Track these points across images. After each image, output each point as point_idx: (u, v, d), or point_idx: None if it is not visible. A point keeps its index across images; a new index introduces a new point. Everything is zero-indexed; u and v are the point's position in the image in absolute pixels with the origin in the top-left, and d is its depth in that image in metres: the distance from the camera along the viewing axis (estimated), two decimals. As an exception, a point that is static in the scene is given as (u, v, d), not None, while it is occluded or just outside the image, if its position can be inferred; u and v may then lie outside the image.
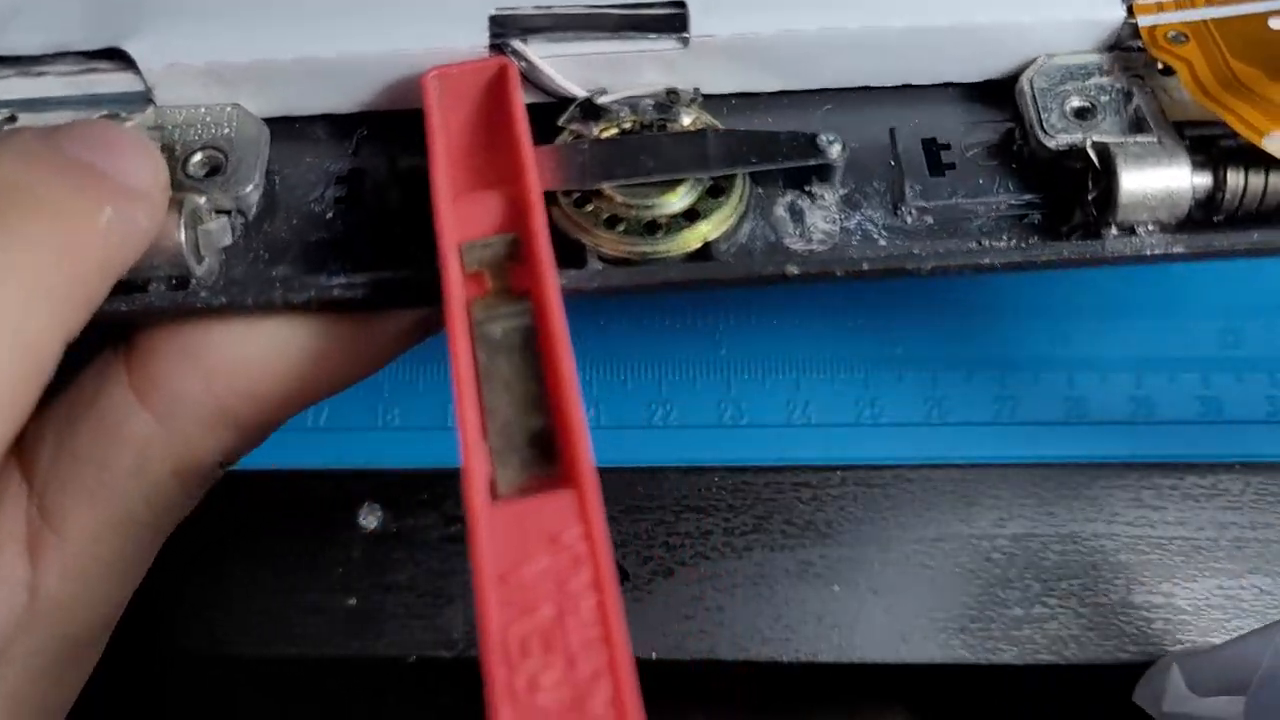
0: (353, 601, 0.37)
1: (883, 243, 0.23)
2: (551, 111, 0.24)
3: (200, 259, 0.22)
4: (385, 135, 0.25)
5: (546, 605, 0.17)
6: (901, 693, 0.39)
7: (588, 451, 0.18)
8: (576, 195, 0.23)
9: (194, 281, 0.22)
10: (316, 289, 0.22)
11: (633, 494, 0.38)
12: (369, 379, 0.39)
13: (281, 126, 0.24)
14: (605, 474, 0.37)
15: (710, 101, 0.24)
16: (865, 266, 0.22)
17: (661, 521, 0.38)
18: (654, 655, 0.36)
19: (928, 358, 0.39)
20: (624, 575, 0.37)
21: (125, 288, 0.22)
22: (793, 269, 0.22)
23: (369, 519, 0.38)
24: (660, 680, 0.37)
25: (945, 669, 0.36)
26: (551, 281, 0.20)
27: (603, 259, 0.23)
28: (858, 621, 0.36)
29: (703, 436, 0.38)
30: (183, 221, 0.22)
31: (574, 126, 0.24)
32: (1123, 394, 0.38)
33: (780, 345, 0.40)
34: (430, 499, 0.38)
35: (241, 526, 0.38)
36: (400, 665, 0.36)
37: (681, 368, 0.39)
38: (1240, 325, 0.38)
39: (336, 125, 0.25)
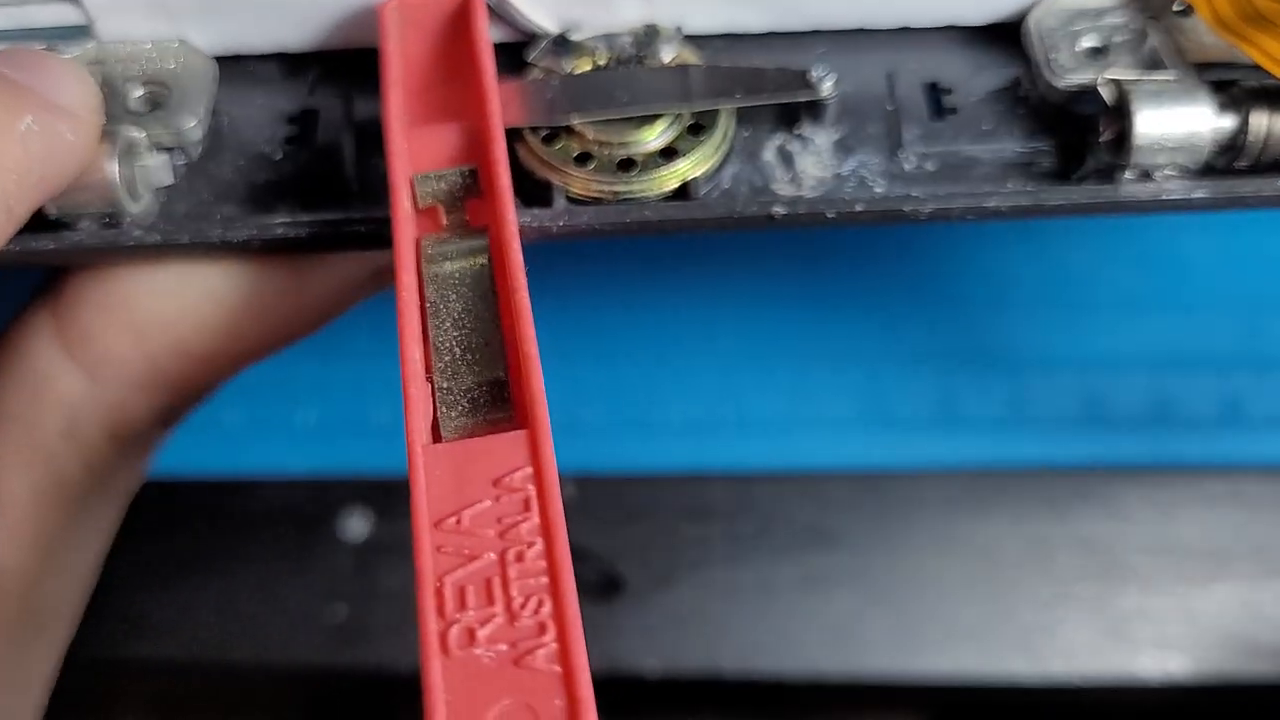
0: (343, 610, 0.35)
1: (879, 189, 0.21)
2: (521, 51, 0.22)
3: (136, 197, 0.21)
4: (343, 76, 0.23)
5: (488, 552, 0.15)
6: (911, 699, 0.37)
7: (541, 391, 0.16)
8: (545, 132, 0.21)
9: (128, 220, 0.21)
10: (258, 227, 0.21)
11: (631, 500, 0.36)
12: (359, 378, 0.38)
13: (233, 65, 0.23)
14: (602, 480, 0.36)
15: (694, 41, 0.22)
16: (859, 209, 0.20)
17: (659, 529, 0.36)
18: (652, 668, 0.34)
19: (936, 353, 0.37)
20: (620, 584, 0.35)
21: (54, 226, 0.20)
22: (779, 210, 0.20)
23: (359, 525, 0.36)
24: (659, 692, 0.36)
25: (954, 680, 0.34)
26: (509, 213, 0.18)
27: (571, 199, 0.21)
28: (864, 632, 0.34)
29: (702, 437, 0.36)
30: (116, 155, 0.20)
31: (544, 64, 0.22)
32: (1139, 393, 0.36)
33: (782, 339, 0.38)
34: None
35: (228, 534, 0.37)
36: (391, 677, 0.35)
37: (678, 363, 0.38)
38: (1262, 320, 0.36)
39: (291, 65, 0.23)
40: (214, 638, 0.35)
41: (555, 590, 0.15)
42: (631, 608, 0.35)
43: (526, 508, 0.16)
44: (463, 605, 0.15)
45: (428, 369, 0.18)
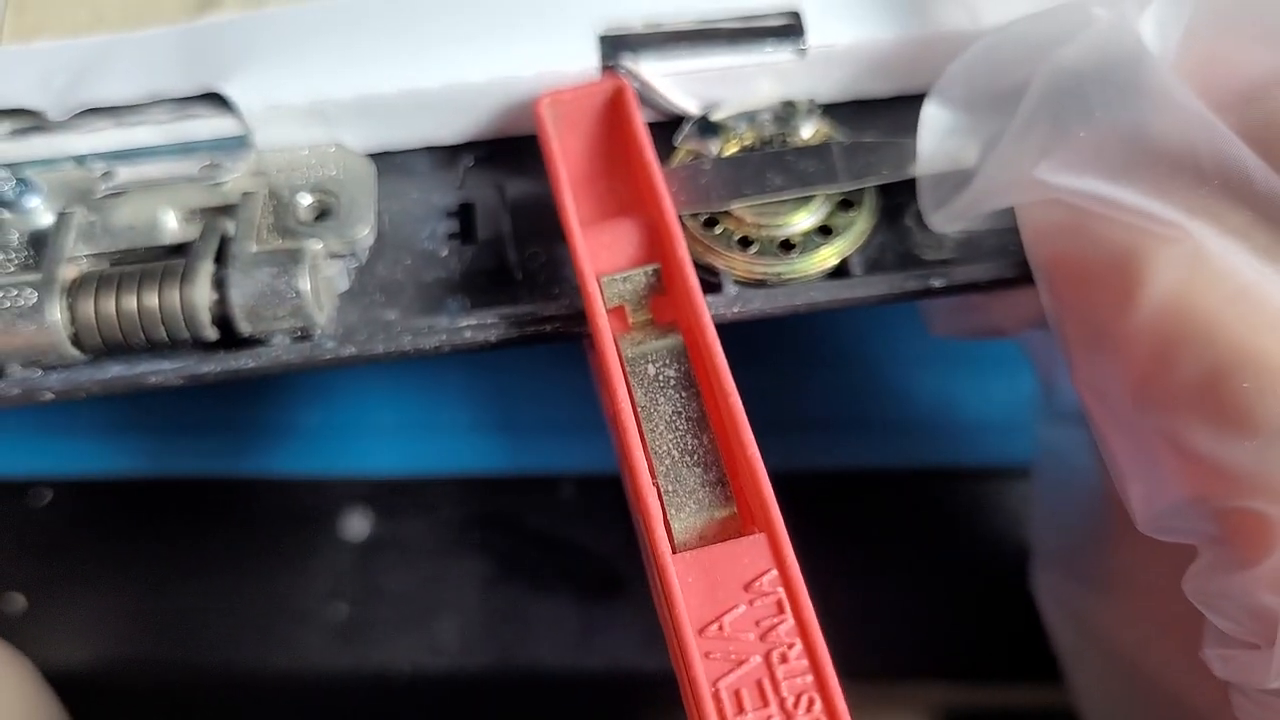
0: (343, 610, 0.36)
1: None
2: (661, 130, 0.23)
3: (322, 308, 0.22)
4: (492, 163, 0.24)
5: (753, 655, 0.17)
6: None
7: (769, 493, 0.18)
8: (704, 217, 0.22)
9: (319, 331, 0.22)
10: (447, 332, 0.22)
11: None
12: (360, 379, 0.38)
13: (382, 161, 0.23)
14: (602, 480, 0.36)
15: (827, 111, 0.24)
16: (1013, 275, 0.22)
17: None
18: (652, 667, 0.35)
19: (934, 354, 0.38)
20: (620, 583, 0.36)
21: (249, 343, 0.21)
22: (936, 283, 0.22)
23: (359, 525, 0.37)
24: (659, 691, 0.36)
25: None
26: (703, 311, 0.20)
27: (737, 282, 0.22)
28: (872, 633, 0.35)
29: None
30: (308, 269, 0.21)
31: (691, 145, 0.23)
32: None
33: (770, 337, 0.39)
34: (422, 504, 0.37)
35: (228, 534, 0.37)
36: (391, 677, 0.36)
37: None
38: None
39: (440, 157, 0.24)
40: (214, 638, 0.36)
41: (822, 688, 0.16)
42: (631, 608, 0.36)
43: (780, 610, 0.17)
44: (740, 709, 0.16)
45: (651, 474, 0.19)
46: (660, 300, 0.21)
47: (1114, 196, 0.18)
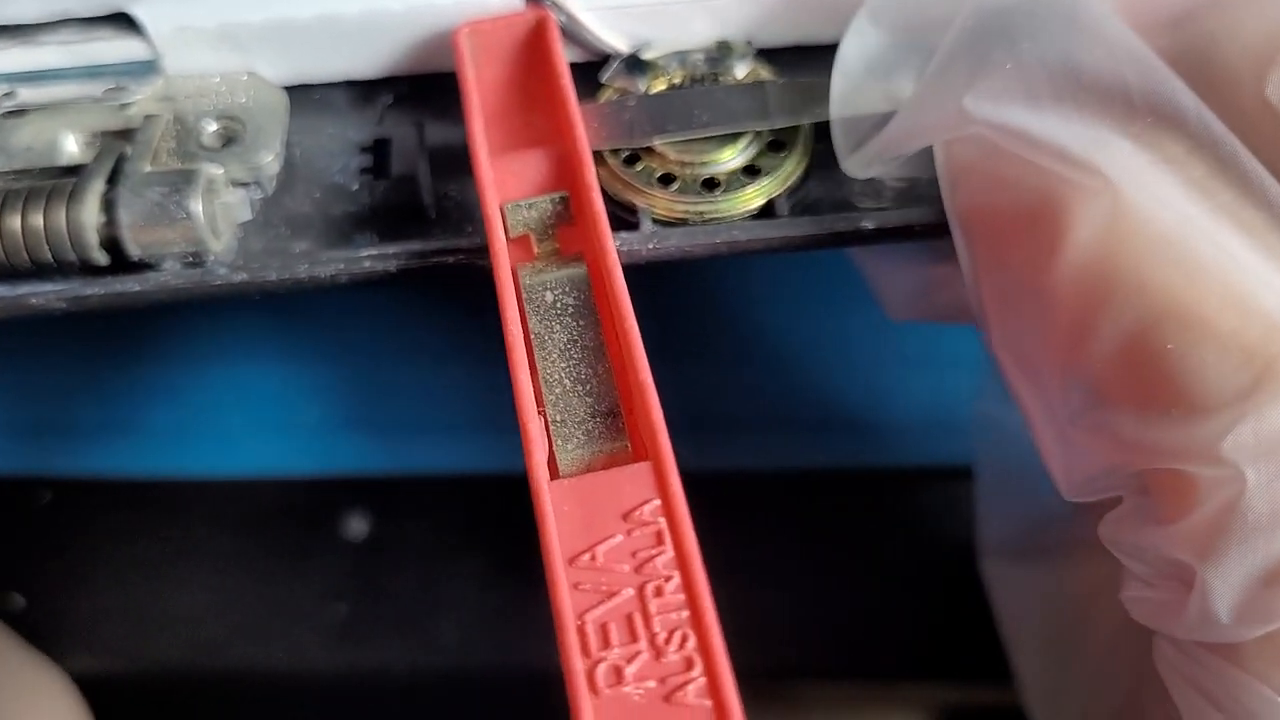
0: (343, 610, 0.35)
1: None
2: (590, 71, 0.22)
3: (218, 234, 0.20)
4: (413, 101, 0.23)
5: (626, 588, 0.15)
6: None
7: (659, 419, 0.16)
8: (626, 154, 0.21)
9: (212, 258, 0.20)
10: (345, 261, 0.20)
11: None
12: (360, 378, 0.38)
13: (300, 95, 0.23)
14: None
15: (765, 55, 0.22)
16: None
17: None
18: None
19: (932, 352, 0.36)
20: None
21: (138, 267, 0.20)
22: (867, 224, 0.20)
23: (359, 525, 0.36)
24: None
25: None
26: (607, 239, 0.18)
27: (656, 221, 0.21)
28: (870, 633, 0.34)
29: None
30: (200, 193, 0.20)
31: (618, 84, 0.22)
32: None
33: (760, 334, 0.37)
34: (422, 504, 0.36)
35: (228, 534, 0.36)
36: (390, 676, 0.35)
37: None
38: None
39: (360, 92, 0.23)
40: (213, 638, 0.35)
41: (698, 624, 0.15)
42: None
43: (659, 541, 0.16)
44: (606, 643, 0.15)
45: (539, 403, 0.17)
46: (569, 231, 0.20)
47: (1037, 131, 0.17)
